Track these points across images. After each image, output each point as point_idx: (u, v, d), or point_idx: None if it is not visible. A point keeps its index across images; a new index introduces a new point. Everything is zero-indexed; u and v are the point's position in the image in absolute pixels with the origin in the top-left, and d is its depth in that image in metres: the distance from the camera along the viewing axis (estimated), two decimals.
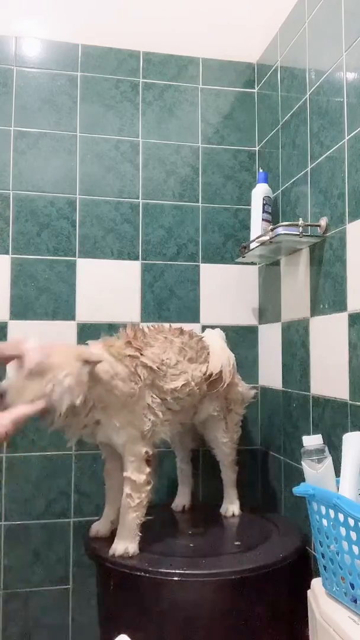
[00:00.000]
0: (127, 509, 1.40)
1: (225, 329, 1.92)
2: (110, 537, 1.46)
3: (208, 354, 1.64)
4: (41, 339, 1.81)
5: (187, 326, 1.84)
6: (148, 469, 1.42)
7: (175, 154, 1.99)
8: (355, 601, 1.02)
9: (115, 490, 1.50)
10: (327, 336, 1.48)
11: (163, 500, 1.83)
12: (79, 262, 1.90)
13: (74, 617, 1.84)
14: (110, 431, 1.40)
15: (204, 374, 1.59)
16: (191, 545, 1.55)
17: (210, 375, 1.61)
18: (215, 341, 1.73)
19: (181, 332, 1.61)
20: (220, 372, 1.63)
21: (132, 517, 1.39)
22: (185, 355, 1.56)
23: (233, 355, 1.73)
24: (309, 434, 1.49)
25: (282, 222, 1.71)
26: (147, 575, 1.30)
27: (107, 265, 1.91)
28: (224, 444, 1.73)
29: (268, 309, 1.95)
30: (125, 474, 1.40)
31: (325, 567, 1.10)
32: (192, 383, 1.55)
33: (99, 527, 1.53)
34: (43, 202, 1.88)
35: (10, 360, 1.27)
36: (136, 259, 1.94)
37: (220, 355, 1.66)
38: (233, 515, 1.75)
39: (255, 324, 2.03)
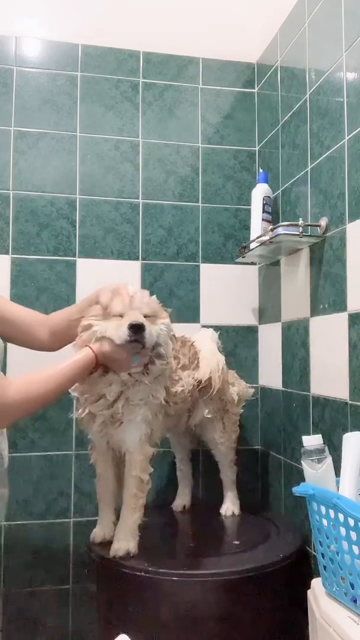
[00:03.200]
0: (131, 509, 1.39)
1: (225, 329, 1.92)
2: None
3: (199, 359, 1.64)
4: None
5: (187, 326, 1.84)
6: (151, 469, 1.42)
7: (175, 154, 1.99)
8: (355, 601, 1.02)
9: (110, 492, 1.49)
10: (327, 336, 1.48)
11: (163, 500, 1.83)
12: (79, 262, 1.90)
13: (74, 617, 1.84)
14: (130, 429, 1.38)
15: (196, 381, 1.59)
16: (191, 545, 1.56)
17: (200, 381, 1.60)
18: (206, 345, 1.70)
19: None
20: (209, 378, 1.61)
21: (136, 517, 1.39)
22: (179, 362, 1.56)
23: (223, 358, 1.70)
24: (309, 434, 1.49)
25: (282, 222, 1.70)
26: (147, 575, 1.30)
27: (107, 265, 1.91)
28: (221, 444, 1.73)
29: (268, 309, 1.95)
30: (133, 473, 1.39)
31: (325, 567, 1.10)
32: (186, 390, 1.55)
33: (104, 532, 1.47)
34: (43, 202, 1.88)
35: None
36: (136, 259, 1.94)
37: (210, 361, 1.64)
38: (233, 515, 1.75)
39: (255, 324, 2.03)
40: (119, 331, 1.27)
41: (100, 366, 1.31)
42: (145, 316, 1.32)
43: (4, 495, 1.28)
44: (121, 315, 1.30)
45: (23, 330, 1.37)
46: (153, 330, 1.31)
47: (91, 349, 1.28)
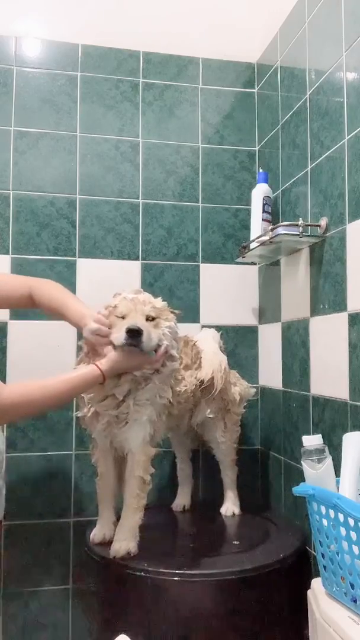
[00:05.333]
0: (133, 509, 1.39)
1: (225, 329, 1.92)
2: None
3: (201, 359, 1.64)
4: (40, 342, 1.81)
5: (187, 326, 1.84)
6: (152, 469, 1.42)
7: (175, 154, 1.99)
8: (355, 601, 1.02)
9: (111, 492, 1.50)
10: (327, 336, 1.48)
11: (163, 500, 1.83)
12: (79, 262, 1.90)
13: (74, 617, 1.84)
14: (135, 429, 1.37)
15: (198, 381, 1.59)
16: (191, 545, 1.55)
17: (202, 381, 1.60)
18: (208, 345, 1.70)
19: None
20: (212, 378, 1.61)
21: (137, 517, 1.39)
22: (182, 362, 1.56)
23: (225, 358, 1.70)
24: (309, 434, 1.49)
25: (282, 222, 1.70)
26: (147, 575, 1.30)
27: (107, 265, 1.91)
28: (223, 443, 1.73)
29: (268, 309, 1.95)
30: (136, 473, 1.39)
31: (325, 567, 1.10)
32: (189, 390, 1.55)
33: (104, 532, 1.47)
34: (43, 202, 1.88)
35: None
36: (136, 259, 1.94)
37: (212, 361, 1.64)
38: (233, 515, 1.75)
39: (255, 324, 2.03)
40: (118, 334, 1.28)
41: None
42: (149, 318, 1.32)
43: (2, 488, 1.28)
44: (124, 317, 1.31)
45: (8, 302, 1.46)
46: (154, 334, 1.31)
47: (99, 368, 1.28)
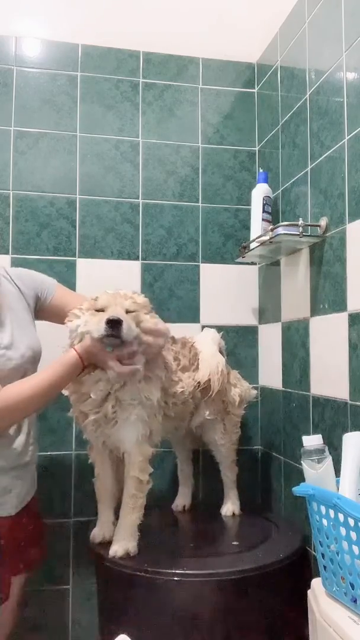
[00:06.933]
0: (130, 509, 1.39)
1: (225, 329, 1.92)
2: None
3: (199, 361, 1.63)
4: (40, 342, 1.81)
5: (187, 326, 1.85)
6: (151, 469, 1.42)
7: (175, 154, 1.99)
8: (355, 601, 1.02)
9: (109, 492, 1.50)
10: (327, 336, 1.48)
11: (163, 500, 1.83)
12: (79, 262, 1.90)
13: (74, 617, 1.84)
14: (126, 429, 1.37)
15: (196, 382, 1.59)
16: (191, 545, 1.56)
17: (199, 383, 1.59)
18: (206, 346, 1.68)
19: (174, 340, 1.60)
20: (208, 380, 1.59)
21: (135, 517, 1.39)
22: (179, 363, 1.56)
23: (223, 359, 1.68)
24: (309, 434, 1.49)
25: (282, 222, 1.70)
26: (147, 575, 1.30)
27: (107, 265, 1.91)
28: (222, 445, 1.72)
29: (268, 309, 1.95)
30: (132, 473, 1.39)
31: (325, 567, 1.10)
32: (186, 392, 1.55)
33: (104, 532, 1.47)
34: (43, 202, 1.88)
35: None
36: (136, 259, 1.94)
37: (210, 362, 1.62)
38: (233, 515, 1.75)
39: (255, 324, 2.03)
40: (97, 325, 1.28)
41: (90, 365, 1.32)
42: (128, 311, 1.33)
43: (16, 487, 1.29)
44: (104, 310, 1.32)
45: None
46: (133, 325, 1.30)
47: (75, 349, 1.29)
